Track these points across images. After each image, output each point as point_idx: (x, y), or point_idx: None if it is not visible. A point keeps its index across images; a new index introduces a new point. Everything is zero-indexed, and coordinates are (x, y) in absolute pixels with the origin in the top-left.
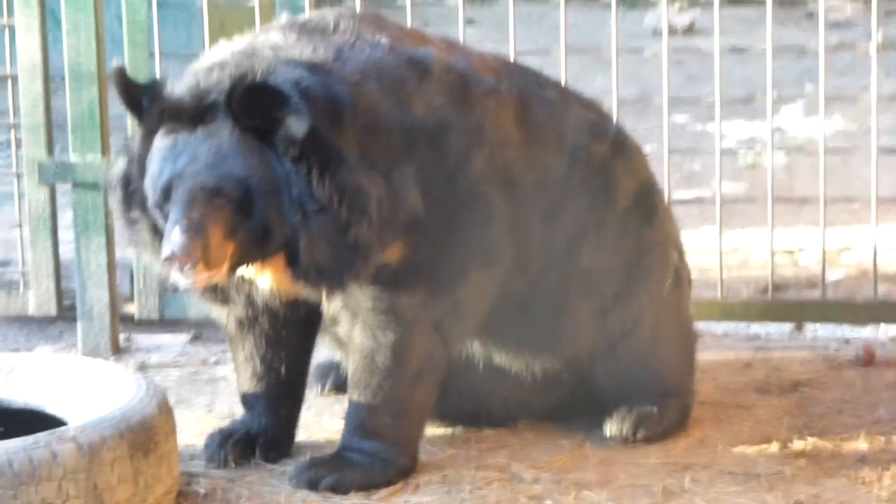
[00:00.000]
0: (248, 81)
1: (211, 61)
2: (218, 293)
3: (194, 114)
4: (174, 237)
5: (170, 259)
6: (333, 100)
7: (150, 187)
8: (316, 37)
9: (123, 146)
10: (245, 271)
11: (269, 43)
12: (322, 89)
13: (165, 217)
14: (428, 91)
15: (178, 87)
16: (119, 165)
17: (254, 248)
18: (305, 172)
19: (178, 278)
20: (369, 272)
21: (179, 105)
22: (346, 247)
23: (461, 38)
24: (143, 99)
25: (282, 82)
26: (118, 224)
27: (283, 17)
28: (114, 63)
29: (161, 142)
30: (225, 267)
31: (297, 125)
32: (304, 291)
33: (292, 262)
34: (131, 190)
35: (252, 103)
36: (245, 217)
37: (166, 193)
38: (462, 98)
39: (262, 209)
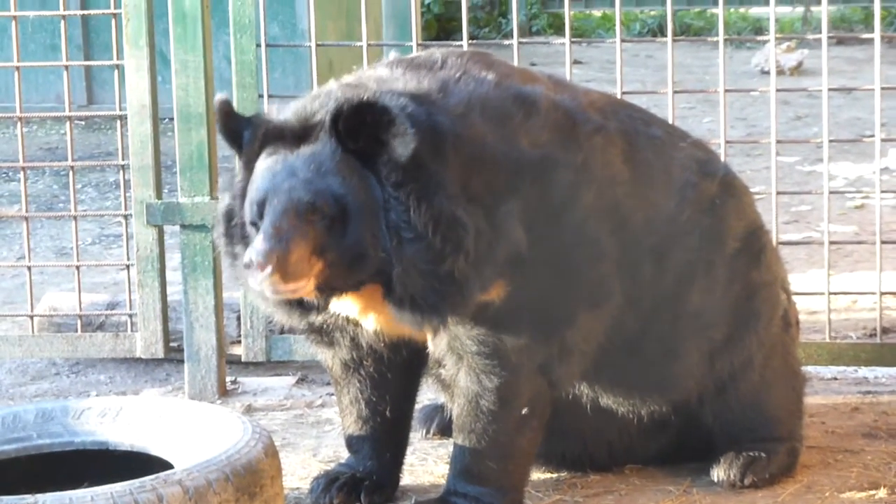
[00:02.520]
0: (356, 101)
1: (317, 91)
2: (323, 335)
3: (298, 134)
4: (255, 244)
5: (248, 266)
6: (435, 129)
7: (248, 207)
8: (422, 71)
9: (228, 181)
10: (348, 310)
11: (375, 76)
12: (426, 118)
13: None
14: (535, 127)
15: (283, 112)
16: (223, 200)
17: (345, 270)
18: (405, 198)
19: (255, 286)
20: (469, 307)
21: (283, 126)
22: (441, 278)
23: (568, 78)
24: (245, 131)
25: (389, 104)
26: (222, 259)
27: (392, 55)
28: (217, 96)
29: (262, 163)
30: (309, 283)
31: (402, 147)
32: (407, 330)
33: (388, 291)
34: (234, 223)
35: (358, 123)
36: (338, 237)
37: (261, 208)
38: (569, 136)
39: (356, 230)
